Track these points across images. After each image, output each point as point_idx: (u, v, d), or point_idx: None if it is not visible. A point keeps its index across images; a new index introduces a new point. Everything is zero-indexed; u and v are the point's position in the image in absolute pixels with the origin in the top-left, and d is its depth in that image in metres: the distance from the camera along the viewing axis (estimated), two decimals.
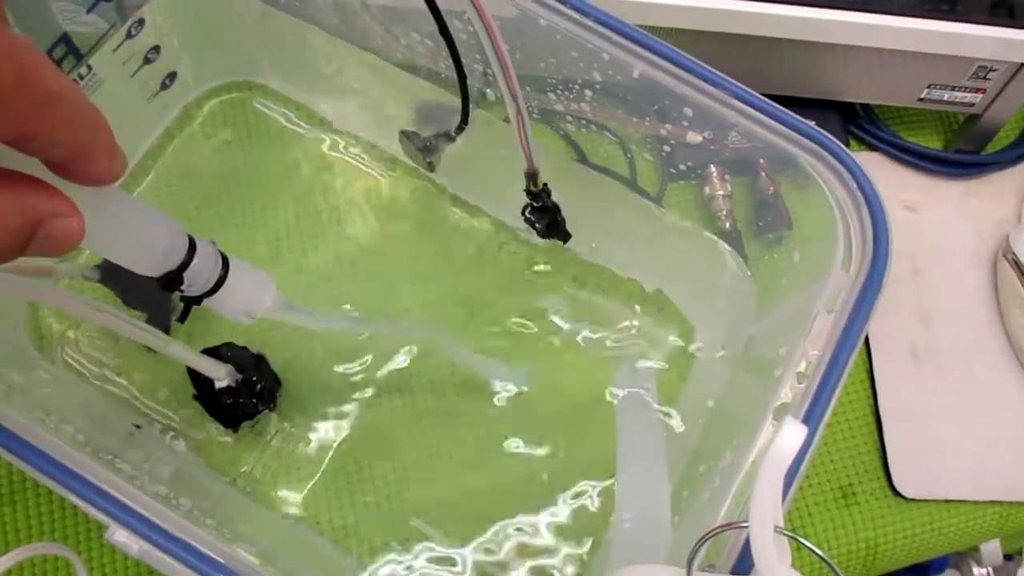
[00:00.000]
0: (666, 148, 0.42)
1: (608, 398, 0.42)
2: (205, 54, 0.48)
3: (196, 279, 0.30)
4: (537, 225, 0.42)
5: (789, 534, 0.24)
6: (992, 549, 0.57)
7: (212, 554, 0.26)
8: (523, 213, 0.42)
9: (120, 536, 0.26)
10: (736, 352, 0.40)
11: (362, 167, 0.50)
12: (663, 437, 0.37)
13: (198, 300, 0.31)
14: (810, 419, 0.28)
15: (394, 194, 0.50)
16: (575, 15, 0.33)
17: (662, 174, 0.47)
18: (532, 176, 0.39)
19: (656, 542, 0.31)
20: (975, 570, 0.61)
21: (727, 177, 0.49)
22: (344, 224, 0.49)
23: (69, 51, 0.40)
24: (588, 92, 0.37)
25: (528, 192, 0.40)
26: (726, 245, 0.42)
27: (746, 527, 0.24)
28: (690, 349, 0.44)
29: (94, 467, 0.27)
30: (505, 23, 0.34)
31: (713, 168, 0.49)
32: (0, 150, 0.19)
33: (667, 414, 0.40)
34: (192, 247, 0.29)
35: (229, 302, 0.32)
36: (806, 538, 0.46)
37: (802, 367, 0.29)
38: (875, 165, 0.57)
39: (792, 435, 0.22)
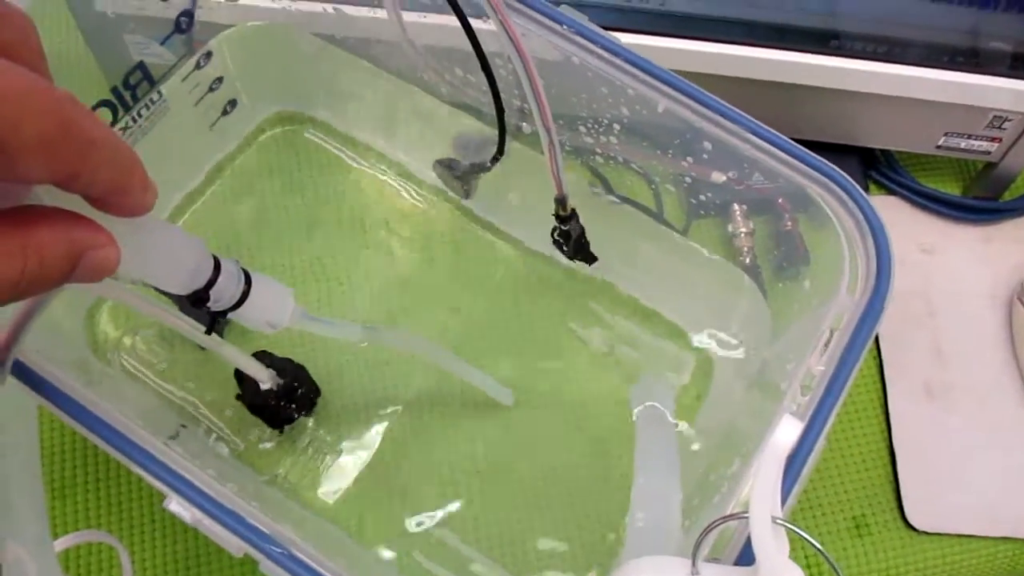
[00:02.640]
0: (690, 184, 0.45)
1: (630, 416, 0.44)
2: (264, 86, 0.52)
3: (221, 295, 0.32)
4: (565, 247, 0.45)
5: (787, 524, 0.26)
6: None
7: (258, 524, 0.28)
8: (552, 235, 0.45)
9: (176, 506, 0.29)
10: (752, 374, 0.42)
11: (403, 195, 0.53)
12: (676, 448, 0.39)
13: (224, 314, 0.34)
14: (813, 426, 0.30)
15: (431, 220, 0.53)
16: (605, 54, 0.36)
17: (687, 210, 0.50)
18: (562, 201, 0.41)
19: (667, 542, 0.33)
20: None
21: (749, 215, 0.51)
22: (381, 248, 0.52)
23: (144, 78, 0.44)
24: (616, 126, 0.40)
25: (557, 216, 0.43)
26: (747, 277, 0.44)
27: (747, 517, 0.26)
28: (709, 371, 0.46)
29: (154, 442, 0.30)
30: (541, 63, 0.38)
31: (736, 207, 0.51)
32: (49, 191, 0.22)
33: (683, 429, 0.43)
34: (217, 266, 0.32)
35: (252, 315, 0.35)
36: (818, 562, 0.47)
37: (807, 381, 0.31)
38: (893, 208, 0.59)
39: (788, 429, 0.24)
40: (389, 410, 0.48)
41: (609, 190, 0.50)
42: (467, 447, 0.47)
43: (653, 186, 0.50)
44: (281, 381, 0.43)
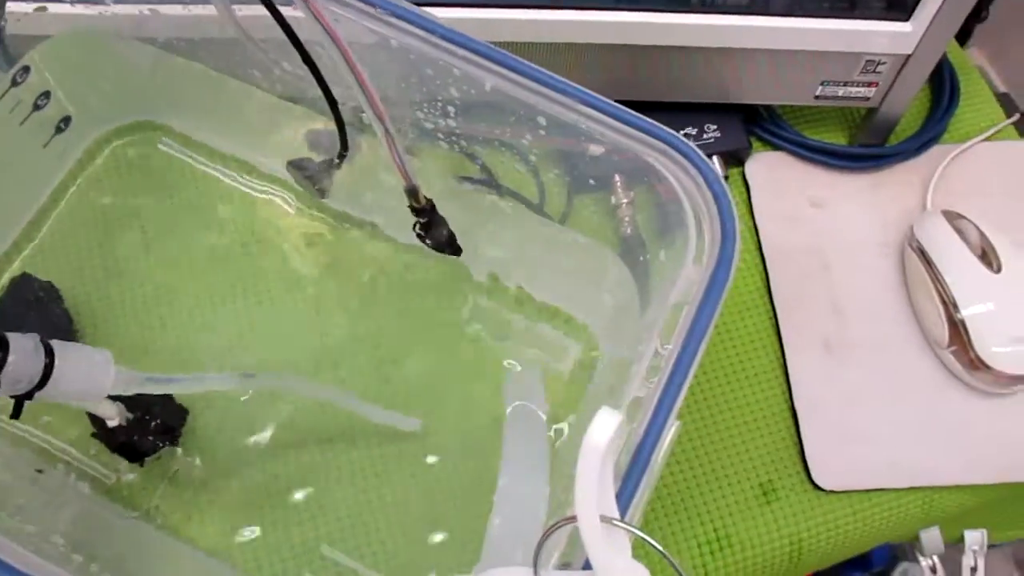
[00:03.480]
0: (568, 160, 0.43)
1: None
2: (99, 98, 0.48)
3: (19, 376, 0.29)
4: (428, 241, 0.42)
5: (620, 524, 0.24)
6: (932, 537, 0.57)
7: None
8: (414, 229, 0.42)
9: None
10: (626, 354, 0.41)
11: (260, 198, 0.50)
12: (545, 445, 0.37)
13: (29, 395, 0.31)
14: (660, 411, 0.28)
15: (295, 224, 0.50)
16: (422, 33, 0.34)
17: (568, 187, 0.48)
18: (412, 192, 0.39)
19: (527, 544, 0.31)
20: (921, 561, 0.61)
21: (630, 184, 0.50)
22: (247, 261, 0.49)
23: None
24: (451, 108, 0.37)
25: (412, 209, 0.40)
26: (615, 255, 0.43)
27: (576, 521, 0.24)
28: (589, 356, 0.44)
29: None
30: (363, 49, 0.35)
31: (617, 177, 0.50)
32: None
33: (563, 425, 0.41)
34: (4, 346, 0.28)
35: (65, 390, 0.31)
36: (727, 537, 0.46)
37: (656, 362, 0.30)
38: (780, 164, 0.58)
39: (604, 422, 0.22)
40: (266, 430, 0.45)
41: (490, 176, 0.48)
42: (348, 463, 0.45)
43: (530, 165, 0.48)
44: (130, 415, 0.40)
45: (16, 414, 0.32)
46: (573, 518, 0.25)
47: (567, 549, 0.27)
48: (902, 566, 0.68)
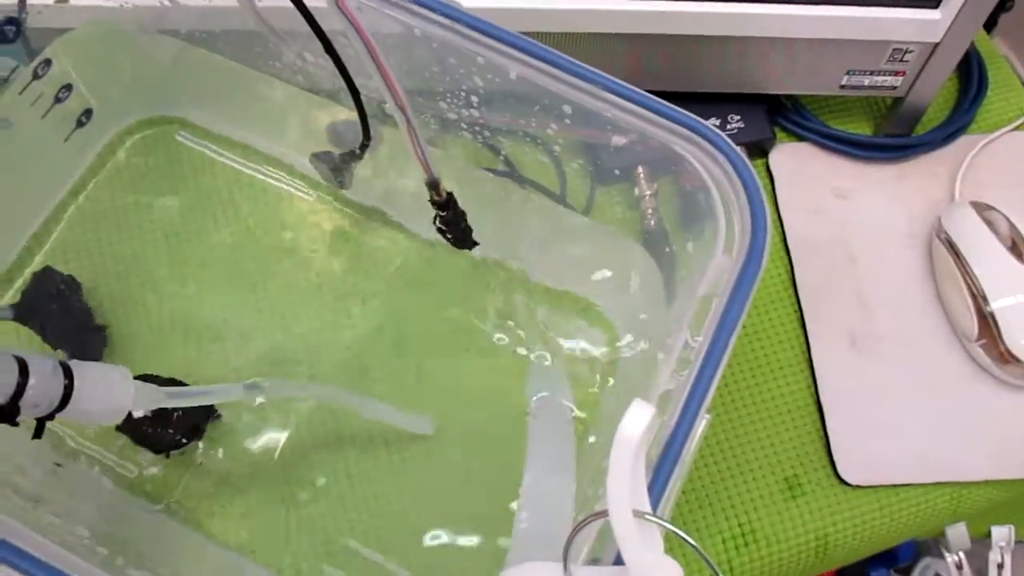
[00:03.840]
0: (590, 151, 0.43)
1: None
2: (120, 91, 0.48)
3: (39, 400, 0.29)
4: (448, 235, 0.42)
5: (653, 519, 0.24)
6: (958, 533, 0.56)
7: None
8: (435, 223, 0.42)
9: None
10: (651, 347, 0.40)
11: (282, 190, 0.50)
12: (572, 439, 0.36)
13: (51, 416, 0.30)
14: (691, 404, 0.28)
15: (318, 216, 0.50)
16: (446, 21, 0.33)
17: (592, 179, 0.47)
18: (433, 185, 0.39)
19: (558, 540, 0.31)
20: (947, 557, 0.60)
21: (654, 176, 0.49)
22: (272, 255, 0.49)
23: None
24: (474, 98, 0.37)
25: (433, 202, 0.40)
26: (640, 246, 0.42)
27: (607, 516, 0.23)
28: (613, 349, 0.44)
29: None
30: (386, 38, 0.35)
31: (640, 169, 0.49)
32: None
33: (586, 414, 0.40)
34: (24, 370, 0.28)
35: (87, 410, 0.31)
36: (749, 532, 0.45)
37: (686, 354, 0.29)
38: (804, 155, 0.57)
39: (637, 415, 0.22)
40: (289, 424, 0.45)
41: (512, 167, 0.47)
42: (372, 457, 0.44)
43: (553, 156, 0.47)
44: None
45: (38, 434, 0.32)
46: (604, 512, 0.24)
47: (596, 544, 0.27)
48: (925, 561, 0.67)
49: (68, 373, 0.30)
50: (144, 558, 0.36)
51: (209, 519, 0.43)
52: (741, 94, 0.55)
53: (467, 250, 0.42)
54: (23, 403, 0.28)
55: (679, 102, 0.34)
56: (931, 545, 0.65)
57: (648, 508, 0.24)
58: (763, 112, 0.57)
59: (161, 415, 0.40)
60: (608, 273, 0.45)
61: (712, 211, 0.32)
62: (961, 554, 0.60)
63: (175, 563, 0.41)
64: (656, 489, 0.27)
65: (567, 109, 0.34)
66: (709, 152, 0.32)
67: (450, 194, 0.40)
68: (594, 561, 0.27)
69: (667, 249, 0.40)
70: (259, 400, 0.43)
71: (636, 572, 0.23)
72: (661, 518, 0.23)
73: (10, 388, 0.28)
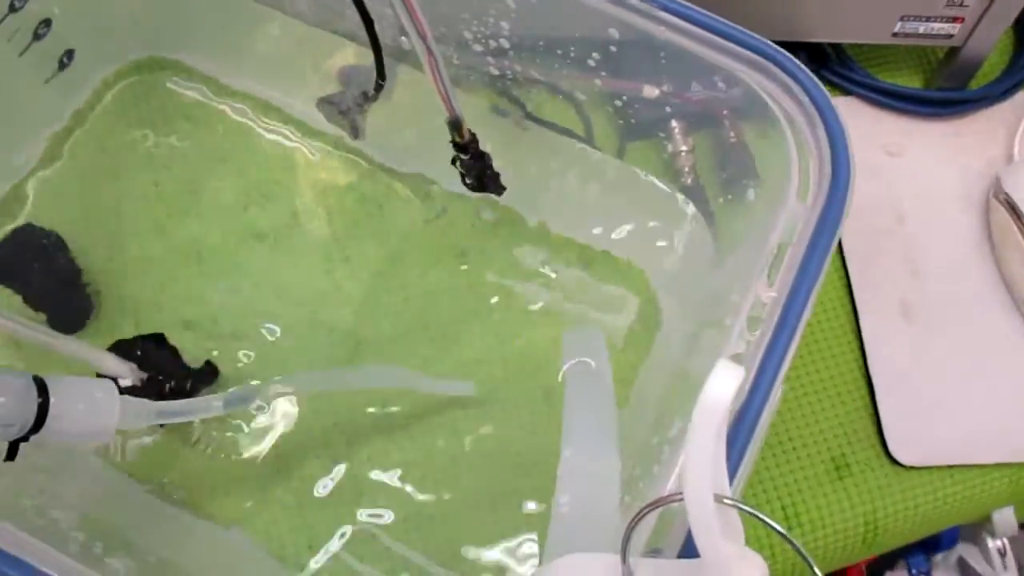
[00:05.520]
0: (621, 105, 0.39)
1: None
2: (105, 30, 0.44)
3: (10, 420, 0.26)
4: (468, 179, 0.38)
5: (735, 503, 0.20)
6: (1005, 518, 0.53)
7: None
8: (453, 164, 0.38)
9: None
10: (698, 311, 0.36)
11: (287, 143, 0.46)
12: (613, 410, 0.32)
13: (25, 438, 0.27)
14: (766, 368, 0.24)
15: (322, 169, 0.45)
16: None
17: (619, 134, 0.44)
18: (455, 124, 0.35)
19: (602, 526, 0.27)
20: (989, 543, 0.57)
21: (689, 131, 0.45)
22: (275, 216, 0.44)
23: None
24: (505, 24, 0.32)
25: (454, 144, 0.36)
26: (684, 197, 0.38)
27: (682, 499, 0.19)
28: (651, 309, 0.40)
29: None
30: None
31: (674, 123, 0.45)
32: None
33: (625, 384, 0.36)
34: None
35: (66, 431, 0.28)
36: (796, 514, 0.42)
37: (757, 312, 0.25)
38: (851, 110, 0.53)
39: (725, 377, 0.18)
40: (299, 399, 0.41)
41: (527, 115, 0.43)
42: (386, 431, 0.40)
43: (578, 109, 0.43)
44: (145, 375, 0.36)
45: (11, 456, 0.28)
46: (672, 497, 0.20)
47: (657, 529, 0.23)
48: (960, 548, 0.64)
49: (43, 390, 0.27)
50: (130, 545, 0.32)
51: (208, 500, 0.39)
52: (781, 42, 0.51)
53: (496, 195, 0.38)
54: None
55: None
56: (972, 530, 0.61)
57: (728, 491, 0.20)
58: (805, 63, 0.52)
59: (152, 385, 0.36)
60: (645, 226, 0.41)
61: (781, 150, 0.27)
62: (1005, 540, 0.56)
63: (166, 547, 0.37)
64: (728, 469, 0.22)
65: (614, 33, 0.30)
66: (781, 81, 0.27)
67: (473, 134, 0.36)
68: (654, 552, 0.23)
69: (712, 203, 0.36)
70: (274, 401, 0.39)
71: (714, 567, 0.19)
72: (749, 505, 0.19)
73: None
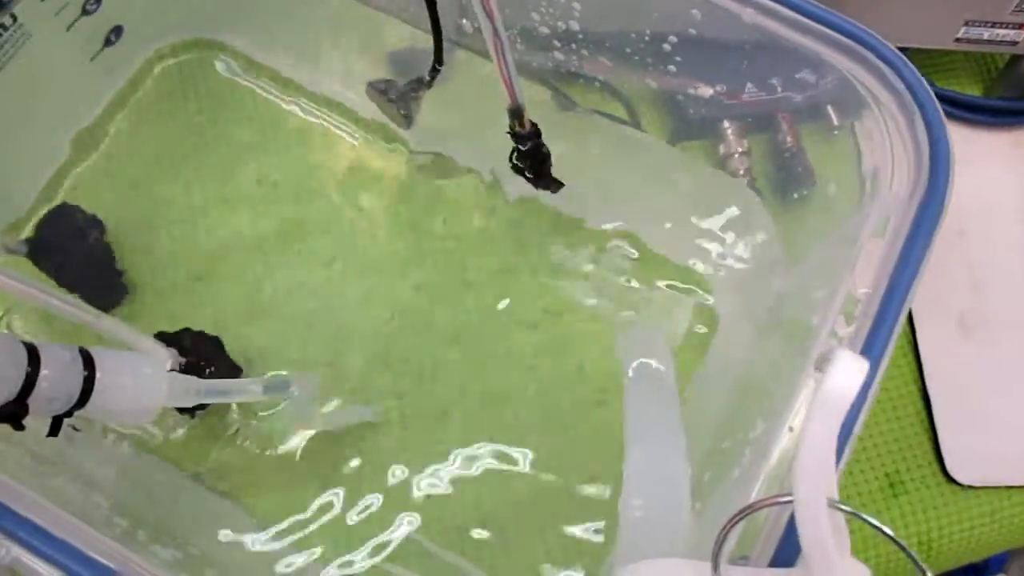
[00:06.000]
0: (673, 103, 0.39)
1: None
2: (155, 6, 0.43)
3: (55, 394, 0.24)
4: (528, 173, 0.36)
5: (846, 509, 0.18)
6: None
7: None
8: (511, 159, 0.36)
9: None
10: (763, 311, 0.34)
11: (333, 130, 0.45)
12: (679, 412, 0.31)
13: (69, 413, 0.26)
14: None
15: (368, 159, 0.44)
16: None
17: (670, 133, 0.42)
18: (516, 113, 0.33)
19: (673, 532, 0.26)
20: None
21: (744, 133, 0.44)
22: (319, 208, 0.43)
23: None
24: (575, 6, 0.31)
25: (513, 134, 0.34)
26: (751, 191, 0.36)
27: (789, 502, 0.18)
28: (711, 311, 0.38)
29: None
30: None
31: (727, 123, 0.44)
32: None
33: (685, 385, 0.35)
34: (35, 359, 0.23)
35: (111, 406, 0.26)
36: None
37: (850, 308, 0.24)
38: None
39: (848, 368, 0.16)
40: (335, 393, 0.39)
41: (588, 109, 0.42)
42: (440, 432, 0.39)
43: (629, 106, 0.42)
44: (183, 360, 0.34)
45: (54, 431, 0.27)
46: (774, 499, 0.19)
47: (742, 536, 0.21)
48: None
49: (89, 363, 0.25)
50: (172, 534, 0.31)
51: (245, 490, 0.37)
52: None
53: (551, 191, 0.37)
54: (35, 398, 0.24)
55: None
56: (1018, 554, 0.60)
57: (837, 495, 0.18)
58: None
59: (191, 370, 0.35)
60: (706, 225, 0.39)
61: (875, 141, 0.26)
62: None
63: (204, 537, 0.36)
64: None
65: (696, 14, 0.28)
66: (876, 68, 0.26)
67: (535, 125, 0.34)
68: (742, 559, 0.21)
69: (796, 195, 0.34)
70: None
71: None
72: (862, 514, 0.17)
73: (16, 384, 0.23)
